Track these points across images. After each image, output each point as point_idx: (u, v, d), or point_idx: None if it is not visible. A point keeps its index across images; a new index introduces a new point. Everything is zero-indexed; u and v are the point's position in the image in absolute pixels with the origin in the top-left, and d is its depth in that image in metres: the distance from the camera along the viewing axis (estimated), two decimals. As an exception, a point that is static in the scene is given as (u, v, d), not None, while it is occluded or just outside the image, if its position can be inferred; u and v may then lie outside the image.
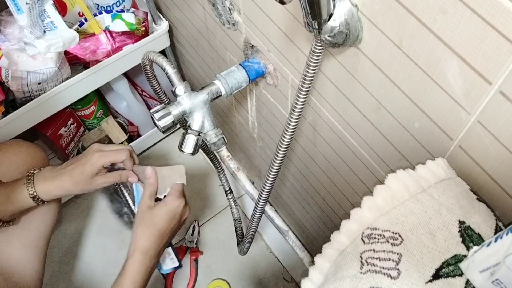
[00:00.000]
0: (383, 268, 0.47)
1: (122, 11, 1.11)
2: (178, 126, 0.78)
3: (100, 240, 1.45)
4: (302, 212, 1.14)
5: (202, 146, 1.01)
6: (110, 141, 1.46)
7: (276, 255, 1.43)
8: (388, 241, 0.48)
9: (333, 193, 0.88)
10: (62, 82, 1.09)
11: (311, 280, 0.55)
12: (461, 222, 0.47)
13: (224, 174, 1.12)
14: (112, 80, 1.24)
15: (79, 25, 1.06)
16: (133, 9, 1.15)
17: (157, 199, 0.82)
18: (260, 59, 0.80)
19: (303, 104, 0.63)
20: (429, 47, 0.44)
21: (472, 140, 0.47)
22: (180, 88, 0.72)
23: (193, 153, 0.74)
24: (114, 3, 1.12)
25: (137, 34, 1.14)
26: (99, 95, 1.41)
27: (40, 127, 1.27)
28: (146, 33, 1.17)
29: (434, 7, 0.41)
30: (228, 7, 0.79)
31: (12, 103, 1.10)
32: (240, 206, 1.50)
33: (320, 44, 0.53)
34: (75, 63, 1.13)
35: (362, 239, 0.50)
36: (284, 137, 0.69)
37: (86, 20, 1.06)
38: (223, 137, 0.76)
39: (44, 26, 0.97)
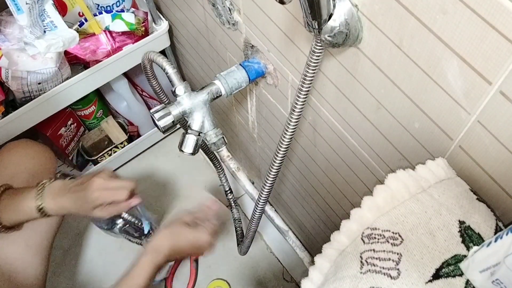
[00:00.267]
0: (383, 268, 0.47)
1: (122, 11, 1.11)
2: (178, 126, 0.77)
3: (101, 240, 1.45)
4: (302, 212, 1.14)
5: (202, 146, 1.01)
6: (110, 141, 1.46)
7: (276, 255, 1.43)
8: (388, 241, 0.48)
9: (333, 193, 0.88)
10: (62, 82, 1.09)
11: (311, 280, 0.55)
12: (461, 222, 0.47)
13: (224, 174, 1.12)
14: (112, 80, 1.24)
15: (79, 25, 1.06)
16: (133, 9, 1.15)
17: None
18: (260, 59, 0.80)
19: (303, 104, 0.63)
20: (429, 47, 0.44)
21: (472, 140, 0.47)
22: (180, 88, 0.72)
23: (193, 153, 0.74)
24: (114, 3, 1.12)
25: (137, 34, 1.14)
26: (99, 95, 1.41)
27: (40, 127, 1.27)
28: (146, 33, 1.17)
29: (434, 7, 0.41)
30: (228, 7, 0.79)
31: (12, 103, 1.10)
32: (240, 206, 1.50)
33: (320, 44, 0.53)
34: (75, 63, 1.13)
35: (362, 239, 0.50)
36: (284, 137, 0.69)
37: (86, 20, 1.06)
38: (223, 137, 0.76)
39: (44, 26, 0.97)
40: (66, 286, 1.39)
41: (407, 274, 0.45)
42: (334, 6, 0.48)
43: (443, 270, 0.45)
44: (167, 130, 0.74)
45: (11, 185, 0.85)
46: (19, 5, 0.88)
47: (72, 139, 1.42)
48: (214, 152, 1.05)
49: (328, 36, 0.50)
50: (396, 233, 0.48)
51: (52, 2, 0.97)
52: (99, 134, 1.46)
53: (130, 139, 1.50)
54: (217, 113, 1.29)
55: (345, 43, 0.53)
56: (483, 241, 0.46)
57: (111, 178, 0.80)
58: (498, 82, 0.40)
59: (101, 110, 1.45)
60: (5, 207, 0.80)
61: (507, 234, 0.40)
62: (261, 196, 0.82)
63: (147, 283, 0.75)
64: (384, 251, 0.48)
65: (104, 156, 1.46)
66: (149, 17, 1.16)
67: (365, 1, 0.48)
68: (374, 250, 0.48)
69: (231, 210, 1.23)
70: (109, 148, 1.44)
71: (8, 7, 0.89)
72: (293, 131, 0.67)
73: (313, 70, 0.57)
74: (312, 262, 0.56)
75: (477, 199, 0.50)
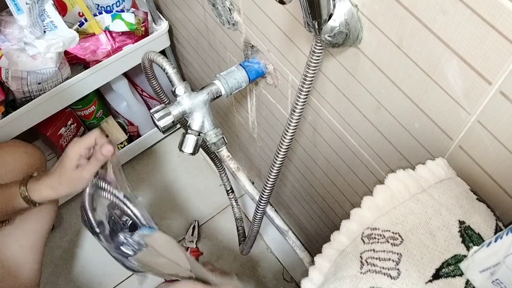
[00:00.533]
0: (383, 268, 0.47)
1: (122, 11, 1.11)
2: (178, 126, 0.77)
3: (100, 240, 1.46)
4: (302, 212, 1.14)
5: (202, 146, 1.01)
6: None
7: (276, 255, 1.43)
8: (388, 241, 0.48)
9: (333, 193, 0.88)
10: (62, 82, 1.09)
11: (311, 280, 0.55)
12: (461, 222, 0.47)
13: (226, 173, 1.12)
14: (112, 80, 1.24)
15: (79, 25, 1.06)
16: (133, 9, 1.15)
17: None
18: (260, 59, 0.80)
19: (303, 104, 0.63)
20: (429, 47, 0.44)
21: (472, 140, 0.47)
22: (180, 88, 0.72)
23: (193, 153, 0.74)
24: (114, 3, 1.12)
25: (137, 34, 1.14)
26: (99, 95, 1.41)
27: (40, 127, 1.27)
28: (146, 33, 1.17)
29: (434, 7, 0.41)
30: (228, 7, 0.79)
31: (12, 103, 1.10)
32: (240, 206, 1.50)
33: (320, 44, 0.53)
34: (75, 63, 1.13)
35: (362, 239, 0.50)
36: (285, 137, 0.69)
37: (86, 20, 1.06)
38: (223, 137, 0.76)
39: (44, 26, 0.97)
40: (65, 286, 1.39)
41: (407, 274, 0.45)
42: (334, 6, 0.48)
43: (443, 270, 0.45)
44: (167, 130, 0.74)
45: None
46: (19, 5, 0.88)
47: (72, 139, 1.42)
48: (214, 152, 1.05)
49: (328, 36, 0.50)
50: (396, 233, 0.48)
51: (52, 2, 0.97)
52: (99, 134, 1.46)
53: (130, 139, 1.50)
54: (217, 113, 1.29)
55: (345, 43, 0.53)
56: (483, 241, 0.46)
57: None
58: (498, 82, 0.40)
59: (101, 110, 1.45)
60: None
61: (507, 234, 0.40)
62: (262, 196, 0.82)
63: None
64: (384, 251, 0.48)
65: (104, 156, 1.45)
66: (149, 17, 1.16)
67: (365, 1, 0.48)
68: (374, 250, 0.48)
69: (233, 210, 1.23)
70: (109, 148, 1.44)
71: (8, 7, 0.89)
72: (293, 131, 0.67)
73: (313, 70, 0.57)
74: (312, 262, 0.56)
75: (477, 199, 0.50)
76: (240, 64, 0.79)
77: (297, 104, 0.63)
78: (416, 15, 0.43)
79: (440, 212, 0.48)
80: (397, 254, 0.47)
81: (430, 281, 0.45)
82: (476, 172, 0.49)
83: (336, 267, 0.52)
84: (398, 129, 0.57)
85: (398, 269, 0.46)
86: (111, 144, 0.76)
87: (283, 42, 0.70)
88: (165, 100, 0.97)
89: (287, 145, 0.70)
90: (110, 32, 1.10)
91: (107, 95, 1.42)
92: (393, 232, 0.48)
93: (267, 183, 0.78)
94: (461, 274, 0.45)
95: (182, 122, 0.95)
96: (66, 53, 1.07)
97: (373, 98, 0.57)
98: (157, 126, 0.72)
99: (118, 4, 1.13)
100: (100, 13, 1.09)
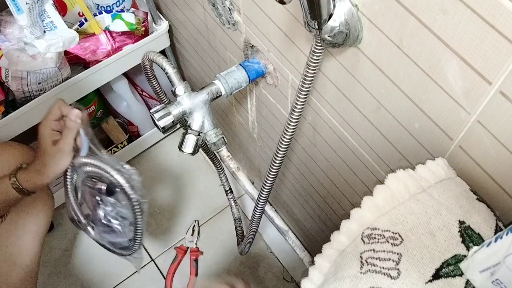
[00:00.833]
0: (383, 268, 0.47)
1: (122, 11, 1.11)
2: (178, 126, 0.77)
3: (100, 240, 1.46)
4: (302, 212, 1.14)
5: (202, 146, 1.01)
6: (110, 141, 1.46)
7: (276, 255, 1.43)
8: (388, 241, 0.48)
9: (333, 193, 0.88)
10: (62, 82, 1.09)
11: (311, 280, 0.55)
12: (461, 222, 0.47)
13: (225, 174, 1.12)
14: (112, 80, 1.24)
15: (79, 25, 1.06)
16: (133, 9, 1.15)
17: None
18: (260, 59, 0.80)
19: (303, 104, 0.63)
20: (429, 47, 0.44)
21: (472, 140, 0.47)
22: (180, 88, 0.72)
23: (193, 153, 0.74)
24: (114, 3, 1.12)
25: (137, 34, 1.14)
26: (99, 95, 1.41)
27: (40, 127, 1.27)
28: (146, 33, 1.17)
29: (434, 7, 0.41)
30: (228, 7, 0.79)
31: (12, 103, 1.10)
32: (240, 206, 1.50)
33: (320, 44, 0.53)
34: (75, 63, 1.13)
35: (362, 239, 0.50)
36: (284, 137, 0.69)
37: (86, 20, 1.06)
38: (223, 137, 0.76)
39: (44, 26, 0.97)
40: (65, 286, 1.39)
41: (407, 274, 0.45)
42: (334, 6, 0.48)
43: (443, 270, 0.45)
44: (167, 130, 0.74)
45: None
46: (19, 5, 0.88)
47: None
48: (214, 152, 1.05)
49: (328, 36, 0.50)
50: (396, 233, 0.48)
51: (52, 2, 0.97)
52: (99, 134, 1.46)
53: (130, 139, 1.50)
54: (217, 113, 1.29)
55: (345, 43, 0.53)
56: (483, 241, 0.46)
57: None
58: (498, 82, 0.40)
59: (101, 110, 1.45)
60: None
61: (507, 234, 0.40)
62: (261, 196, 0.82)
63: None
64: (384, 251, 0.48)
65: (104, 156, 1.46)
66: (149, 17, 1.16)
67: (365, 1, 0.48)
68: (374, 250, 0.48)
69: (232, 210, 1.23)
70: (109, 148, 1.44)
71: (8, 7, 0.89)
72: (293, 131, 0.67)
73: (313, 70, 0.57)
74: (312, 262, 0.56)
75: (477, 199, 0.50)
76: (240, 64, 0.79)
77: (297, 104, 0.63)
78: (416, 15, 0.43)
79: (440, 212, 0.48)
80: (397, 254, 0.47)
81: (430, 281, 0.45)
82: (476, 172, 0.49)
83: (336, 267, 0.52)
84: (398, 129, 0.57)
85: (398, 269, 0.46)
86: (77, 108, 0.76)
87: (283, 42, 0.70)
88: (165, 100, 0.97)
89: (286, 145, 0.70)
90: (110, 32, 1.10)
91: (107, 95, 1.41)
92: (393, 232, 0.48)
93: (266, 182, 0.78)
94: (461, 274, 0.45)
95: (182, 122, 0.95)
96: (66, 53, 1.07)
97: (373, 98, 0.57)
98: (157, 126, 0.72)
99: (118, 4, 1.13)
100: (100, 13, 1.09)
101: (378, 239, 0.49)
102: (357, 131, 0.67)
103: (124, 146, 1.47)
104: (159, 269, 1.43)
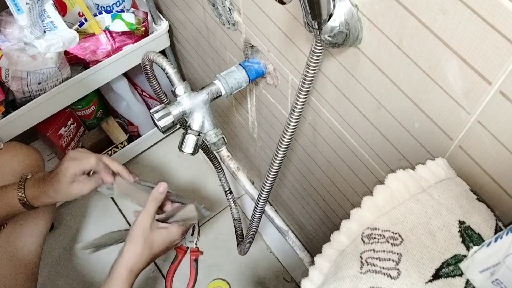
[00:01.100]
0: (383, 268, 0.47)
1: (122, 11, 1.11)
2: (178, 126, 0.78)
3: (100, 240, 1.45)
4: (302, 212, 1.14)
5: (202, 146, 1.01)
6: (110, 141, 1.46)
7: (276, 255, 1.43)
8: (388, 241, 0.48)
9: (333, 193, 0.88)
10: (62, 82, 1.09)
11: (311, 280, 0.55)
12: (461, 222, 0.47)
13: (224, 174, 1.12)
14: (112, 80, 1.24)
15: (79, 25, 1.06)
16: (133, 9, 1.15)
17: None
18: (260, 59, 0.80)
19: (303, 104, 0.63)
20: (429, 47, 0.44)
21: (472, 140, 0.47)
22: (180, 88, 0.72)
23: (193, 153, 0.74)
24: (114, 3, 1.12)
25: (137, 34, 1.14)
26: (99, 95, 1.41)
27: (40, 127, 1.27)
28: (146, 33, 1.17)
29: (434, 7, 0.41)
30: (228, 7, 0.79)
31: (12, 103, 1.11)
32: (240, 206, 1.50)
33: (320, 44, 0.53)
34: (75, 63, 1.13)
35: (362, 239, 0.50)
36: (284, 137, 0.69)
37: (86, 20, 1.06)
38: (223, 137, 0.76)
39: (44, 26, 0.97)
40: (65, 286, 1.39)
41: (407, 274, 0.45)
42: (334, 6, 0.48)
43: (443, 270, 0.45)
44: (167, 130, 0.74)
45: None
46: (19, 5, 0.88)
47: (72, 139, 1.42)
48: (214, 152, 1.05)
49: (328, 36, 0.50)
50: (396, 233, 0.48)
51: (52, 2, 0.97)
52: (99, 134, 1.46)
53: (130, 139, 1.50)
54: (217, 113, 1.29)
55: (345, 43, 0.53)
56: (483, 241, 0.46)
57: (83, 151, 0.80)
58: (498, 82, 0.40)
59: (101, 110, 1.45)
60: None
61: (507, 234, 0.40)
62: (261, 196, 0.82)
63: None
64: (384, 251, 0.48)
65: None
66: (149, 17, 1.16)
67: (365, 1, 0.48)
68: (374, 250, 0.48)
69: (231, 211, 1.23)
70: (109, 148, 1.44)
71: (8, 7, 0.89)
72: (293, 131, 0.67)
73: (313, 70, 0.57)
74: (312, 262, 0.55)
75: (477, 199, 0.50)
76: (240, 64, 0.79)
77: (296, 103, 0.63)
78: (416, 15, 0.43)
79: (440, 212, 0.48)
80: (397, 254, 0.47)
81: (430, 281, 0.45)
82: (476, 172, 0.49)
83: (336, 267, 0.52)
84: (398, 129, 0.57)
85: (398, 269, 0.46)
86: (109, 175, 0.81)
87: (283, 42, 0.70)
88: (165, 100, 0.97)
89: (286, 145, 0.70)
90: (110, 32, 1.10)
91: (107, 95, 1.41)
92: (393, 232, 0.48)
93: (266, 182, 0.78)
94: (461, 274, 0.45)
95: (182, 122, 0.95)
96: (66, 53, 1.07)
97: (373, 98, 0.57)
98: (157, 126, 0.72)
99: (118, 4, 1.13)
100: (100, 13, 1.09)
101: (378, 239, 0.49)
102: (357, 131, 0.67)
103: (124, 146, 1.47)
104: (159, 269, 1.43)
